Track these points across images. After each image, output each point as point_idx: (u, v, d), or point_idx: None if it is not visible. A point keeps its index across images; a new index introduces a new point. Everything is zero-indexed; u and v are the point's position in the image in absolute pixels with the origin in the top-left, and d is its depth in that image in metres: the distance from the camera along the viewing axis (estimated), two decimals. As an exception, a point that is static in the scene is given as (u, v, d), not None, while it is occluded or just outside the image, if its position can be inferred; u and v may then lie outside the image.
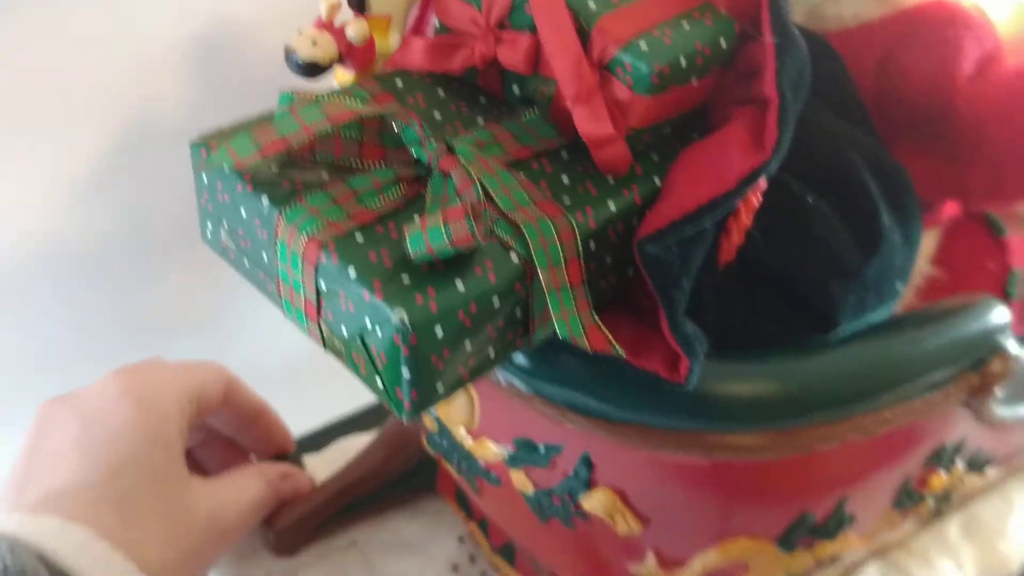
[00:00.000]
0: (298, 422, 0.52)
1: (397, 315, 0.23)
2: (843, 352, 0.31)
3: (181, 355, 0.45)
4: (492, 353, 0.26)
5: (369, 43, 0.30)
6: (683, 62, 0.27)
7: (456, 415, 0.35)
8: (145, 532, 0.36)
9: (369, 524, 0.50)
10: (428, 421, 0.38)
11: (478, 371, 0.26)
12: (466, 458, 0.36)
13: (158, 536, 0.37)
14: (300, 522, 0.48)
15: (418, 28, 0.31)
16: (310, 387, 0.59)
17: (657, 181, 0.28)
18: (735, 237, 0.29)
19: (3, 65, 0.43)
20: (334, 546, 0.49)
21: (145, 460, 0.38)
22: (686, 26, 0.27)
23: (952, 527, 0.52)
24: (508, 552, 0.46)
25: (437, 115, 0.29)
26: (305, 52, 0.29)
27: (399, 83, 0.30)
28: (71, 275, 0.56)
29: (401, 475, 0.49)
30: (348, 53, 0.30)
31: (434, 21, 0.31)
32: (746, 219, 0.28)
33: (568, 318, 0.25)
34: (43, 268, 0.56)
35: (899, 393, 0.32)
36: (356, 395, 0.55)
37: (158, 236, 0.59)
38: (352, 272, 0.24)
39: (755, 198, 0.28)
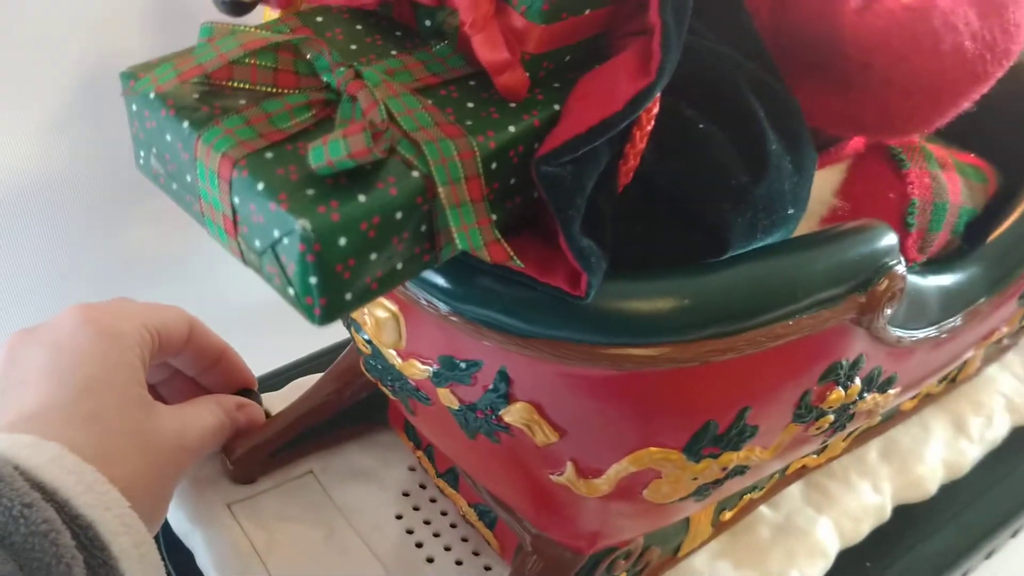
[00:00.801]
0: (258, 363, 0.54)
1: (300, 224, 0.25)
2: (735, 270, 0.34)
3: (146, 299, 0.48)
4: (400, 266, 0.28)
5: None
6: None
7: (385, 337, 0.37)
8: (114, 448, 0.39)
9: (324, 454, 0.53)
10: (362, 345, 0.40)
11: (387, 283, 0.28)
12: (398, 379, 0.38)
13: (126, 452, 0.39)
14: (256, 451, 0.50)
15: (338, -32, 0.33)
16: (269, 330, 0.61)
17: (556, 107, 0.30)
18: (631, 161, 0.31)
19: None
20: (291, 475, 0.52)
21: (111, 381, 0.40)
22: None
23: (872, 451, 0.55)
24: (452, 477, 0.48)
25: (354, 47, 0.31)
26: None
27: (319, 19, 0.32)
28: (36, 221, 0.58)
29: (352, 406, 0.52)
30: (271, -8, 0.32)
31: (352, -40, 0.32)
32: (640, 143, 0.31)
33: (468, 231, 0.28)
34: (6, 214, 0.58)
35: (789, 309, 0.34)
36: (312, 338, 0.57)
37: (121, 184, 0.61)
38: (260, 186, 0.26)
39: (648, 122, 0.31)
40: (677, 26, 0.28)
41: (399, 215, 0.27)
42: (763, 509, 0.52)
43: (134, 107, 0.29)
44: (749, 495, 0.50)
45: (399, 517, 0.50)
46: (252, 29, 0.29)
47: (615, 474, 0.37)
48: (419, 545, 0.49)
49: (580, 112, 0.29)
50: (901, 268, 0.37)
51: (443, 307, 0.33)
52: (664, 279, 0.33)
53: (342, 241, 0.26)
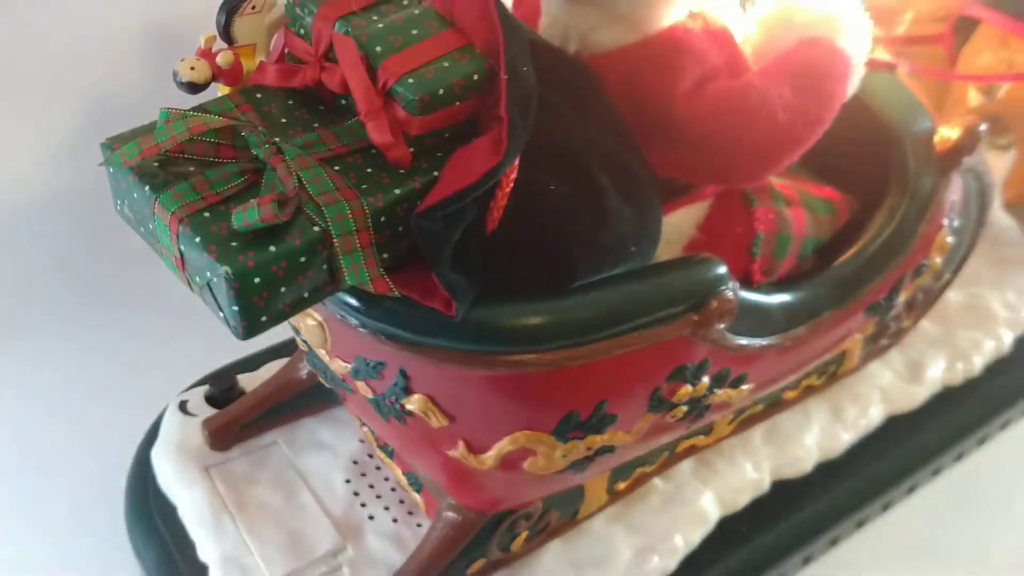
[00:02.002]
0: (237, 348, 0.64)
1: (224, 269, 0.34)
2: (587, 295, 0.43)
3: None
4: (307, 295, 0.37)
5: (236, 66, 0.41)
6: (442, 91, 0.38)
7: (315, 340, 0.46)
8: None
9: (288, 427, 0.62)
10: (301, 345, 0.50)
11: (297, 307, 0.37)
12: (329, 372, 0.48)
13: None
14: (230, 424, 0.60)
15: (277, 57, 0.42)
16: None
17: (435, 173, 0.39)
18: (495, 213, 0.40)
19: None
20: (259, 444, 0.62)
21: None
22: (446, 64, 0.38)
23: (757, 435, 0.64)
24: (388, 449, 0.58)
25: (284, 120, 0.40)
26: (185, 75, 0.40)
27: (258, 95, 0.41)
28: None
29: (313, 387, 0.61)
30: (219, 74, 0.41)
31: (286, 51, 0.42)
32: (501, 201, 0.40)
33: (357, 271, 0.37)
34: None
35: (632, 325, 0.43)
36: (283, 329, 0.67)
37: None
38: (198, 239, 0.35)
39: (508, 185, 0.40)
40: (521, 119, 0.37)
41: (303, 259, 0.36)
42: (656, 481, 0.61)
43: (111, 170, 0.38)
44: (641, 468, 0.59)
45: (348, 481, 0.60)
46: (199, 114, 0.38)
47: (498, 451, 0.46)
48: (363, 505, 0.59)
49: (450, 179, 0.38)
50: (730, 293, 0.46)
51: (353, 321, 0.42)
52: (528, 301, 0.42)
53: (256, 280, 0.35)
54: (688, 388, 0.49)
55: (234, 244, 0.35)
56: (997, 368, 0.70)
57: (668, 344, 0.46)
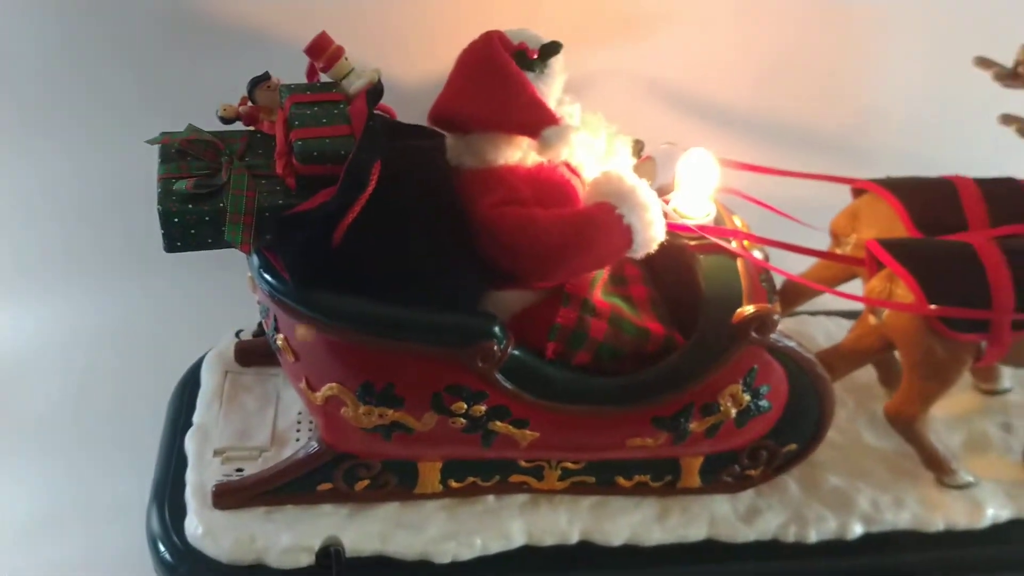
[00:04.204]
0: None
1: (158, 207, 0.64)
2: (386, 303, 0.66)
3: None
4: (210, 240, 0.66)
5: (248, 116, 0.71)
6: (316, 153, 0.65)
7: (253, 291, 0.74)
8: None
9: (290, 371, 0.91)
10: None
11: (200, 244, 0.66)
12: (263, 315, 0.76)
13: None
14: (252, 350, 0.89)
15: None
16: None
17: (302, 200, 0.66)
18: (339, 232, 0.65)
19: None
20: (268, 371, 0.89)
21: None
22: (327, 140, 0.65)
23: (588, 501, 0.80)
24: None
25: (259, 149, 0.70)
26: (220, 112, 0.71)
27: (257, 135, 0.71)
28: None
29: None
30: (240, 117, 0.71)
31: (279, 114, 0.71)
32: (344, 225, 0.65)
33: (235, 236, 0.65)
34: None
35: (408, 334, 0.66)
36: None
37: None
38: (159, 191, 0.65)
39: (350, 216, 0.65)
40: (353, 183, 0.63)
41: (207, 218, 0.65)
42: (490, 497, 0.80)
43: (159, 145, 0.70)
44: (473, 478, 0.79)
45: (300, 412, 0.86)
46: (201, 131, 0.68)
47: (324, 393, 0.71)
48: (298, 427, 0.84)
49: (306, 205, 0.65)
50: (496, 345, 0.67)
51: (257, 277, 0.70)
52: (348, 293, 0.67)
53: (175, 220, 0.64)
54: (463, 405, 0.70)
55: (174, 199, 0.65)
56: (829, 549, 0.79)
57: (445, 363, 0.68)
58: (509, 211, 0.66)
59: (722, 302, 0.72)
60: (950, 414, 0.91)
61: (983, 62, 0.77)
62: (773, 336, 0.72)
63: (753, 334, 0.70)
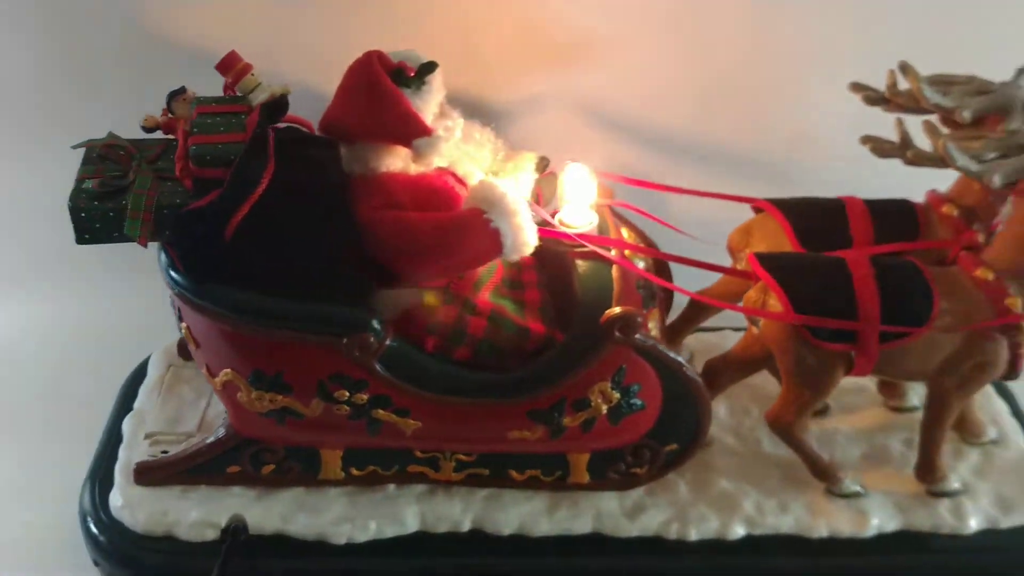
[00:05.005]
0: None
1: (68, 202, 0.72)
2: (272, 296, 0.73)
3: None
4: (116, 235, 0.73)
5: (165, 126, 0.79)
6: (208, 157, 0.72)
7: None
8: None
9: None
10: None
11: (107, 238, 0.73)
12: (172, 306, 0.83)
13: None
14: (193, 346, 0.97)
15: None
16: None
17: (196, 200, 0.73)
18: (229, 230, 0.72)
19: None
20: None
21: None
22: (220, 146, 0.72)
23: (483, 493, 0.85)
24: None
25: (172, 155, 0.77)
26: (143, 122, 0.79)
27: (174, 142, 0.79)
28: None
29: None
30: (159, 127, 0.79)
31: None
32: (234, 223, 0.72)
33: (132, 229, 0.72)
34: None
35: (291, 325, 0.73)
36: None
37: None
38: (71, 189, 0.73)
39: (238, 216, 0.72)
40: (236, 189, 0.70)
41: (111, 214, 0.72)
42: (391, 486, 0.86)
43: (83, 149, 0.78)
44: (373, 467, 0.85)
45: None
46: (120, 139, 0.76)
47: (221, 378, 0.78)
48: (225, 416, 0.91)
49: (200, 203, 0.72)
50: (372, 336, 0.73)
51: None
52: (238, 287, 0.73)
53: (83, 214, 0.72)
54: (346, 393, 0.76)
55: (82, 196, 0.73)
56: (709, 548, 0.82)
57: (327, 353, 0.74)
58: (386, 214, 0.73)
59: (593, 304, 0.77)
60: (856, 428, 0.93)
61: (855, 86, 0.81)
62: (639, 337, 0.76)
63: (617, 334, 0.75)
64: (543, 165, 0.84)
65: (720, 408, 0.93)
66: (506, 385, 0.77)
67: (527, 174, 0.83)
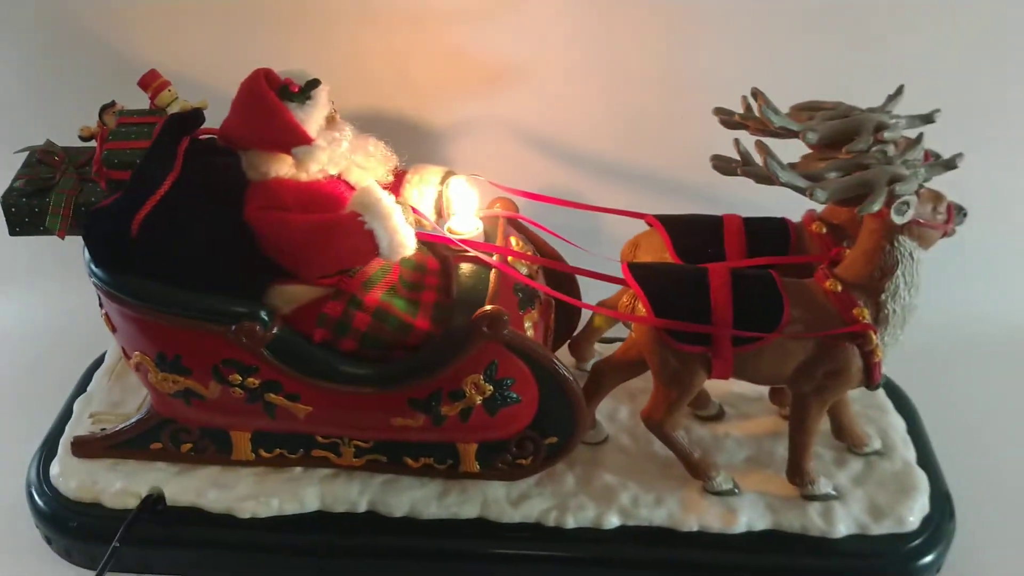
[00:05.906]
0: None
1: (0, 199, 0.82)
2: (172, 288, 0.82)
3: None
4: (41, 228, 0.83)
5: (98, 135, 0.89)
6: (116, 160, 0.81)
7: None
8: None
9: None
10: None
11: (34, 231, 0.83)
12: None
13: None
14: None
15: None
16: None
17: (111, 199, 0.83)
18: (135, 226, 0.82)
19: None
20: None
21: None
22: (128, 151, 0.82)
23: (381, 478, 0.92)
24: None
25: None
26: (79, 132, 0.89)
27: (105, 151, 0.89)
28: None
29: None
30: (92, 137, 0.89)
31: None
32: (138, 220, 0.81)
33: (54, 225, 0.82)
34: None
35: (186, 312, 0.81)
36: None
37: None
38: (4, 189, 0.83)
39: (142, 214, 0.81)
40: (136, 191, 0.79)
41: (36, 209, 0.82)
42: (298, 469, 0.93)
43: (26, 153, 0.89)
44: (280, 450, 0.92)
45: (168, 390, 1.02)
46: (55, 145, 0.87)
47: (134, 359, 0.87)
48: (162, 403, 1.01)
49: (106, 202, 0.82)
50: (257, 327, 0.81)
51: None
52: (141, 276, 0.82)
53: (13, 209, 0.82)
54: (239, 376, 0.84)
55: (13, 193, 0.83)
56: (584, 536, 0.87)
57: (219, 339, 0.83)
58: (268, 214, 0.81)
59: (468, 303, 0.83)
60: (747, 433, 0.98)
61: (717, 110, 0.86)
62: (507, 333, 0.82)
63: (485, 329, 0.81)
64: (447, 178, 0.92)
65: (622, 410, 0.99)
66: (384, 375, 0.84)
67: (432, 187, 0.91)
